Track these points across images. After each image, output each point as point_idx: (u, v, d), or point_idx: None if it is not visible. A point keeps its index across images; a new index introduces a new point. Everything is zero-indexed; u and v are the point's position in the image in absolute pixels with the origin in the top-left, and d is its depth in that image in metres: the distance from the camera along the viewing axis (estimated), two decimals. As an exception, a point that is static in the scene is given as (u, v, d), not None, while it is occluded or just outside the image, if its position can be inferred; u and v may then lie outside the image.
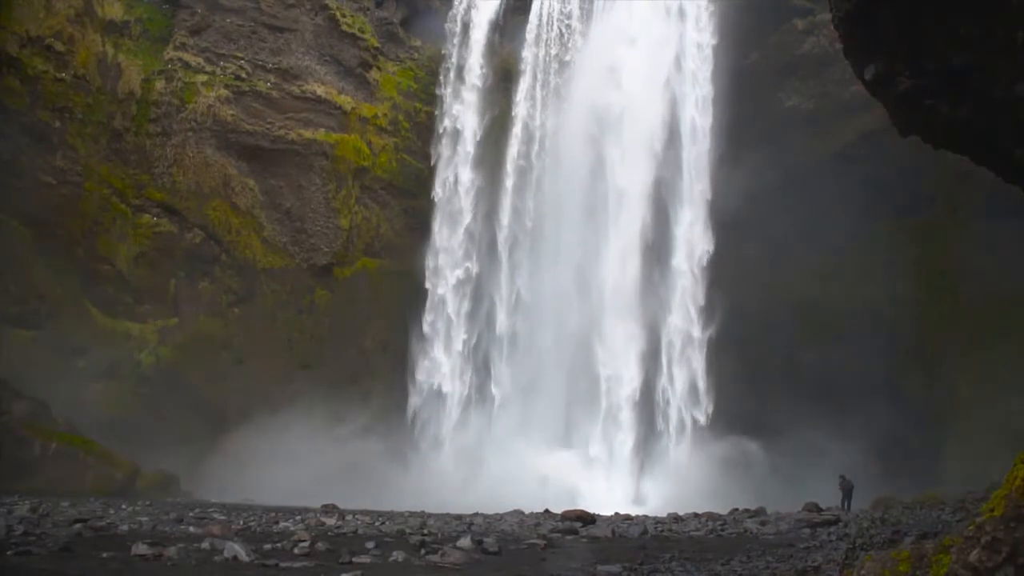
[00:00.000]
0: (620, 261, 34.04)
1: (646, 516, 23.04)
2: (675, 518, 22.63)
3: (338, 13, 40.14)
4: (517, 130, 38.33)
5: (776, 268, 32.32)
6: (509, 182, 37.97)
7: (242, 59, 38.90)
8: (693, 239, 34.64)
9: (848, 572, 6.04)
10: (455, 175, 39.08)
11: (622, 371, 33.25)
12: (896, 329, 31.78)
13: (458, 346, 37.42)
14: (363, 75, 40.43)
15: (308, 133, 38.87)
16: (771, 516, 22.47)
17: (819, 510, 23.62)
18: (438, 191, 39.05)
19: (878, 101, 7.75)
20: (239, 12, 39.20)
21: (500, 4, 40.60)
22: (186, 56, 38.30)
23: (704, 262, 34.27)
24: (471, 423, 36.44)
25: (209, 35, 38.93)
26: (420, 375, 37.51)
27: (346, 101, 39.68)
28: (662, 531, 19.27)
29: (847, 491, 27.34)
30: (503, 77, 39.81)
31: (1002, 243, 28.09)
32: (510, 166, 38.13)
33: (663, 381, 33.77)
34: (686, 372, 33.76)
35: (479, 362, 37.26)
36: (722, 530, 19.26)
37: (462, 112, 39.62)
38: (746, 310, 32.52)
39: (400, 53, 41.93)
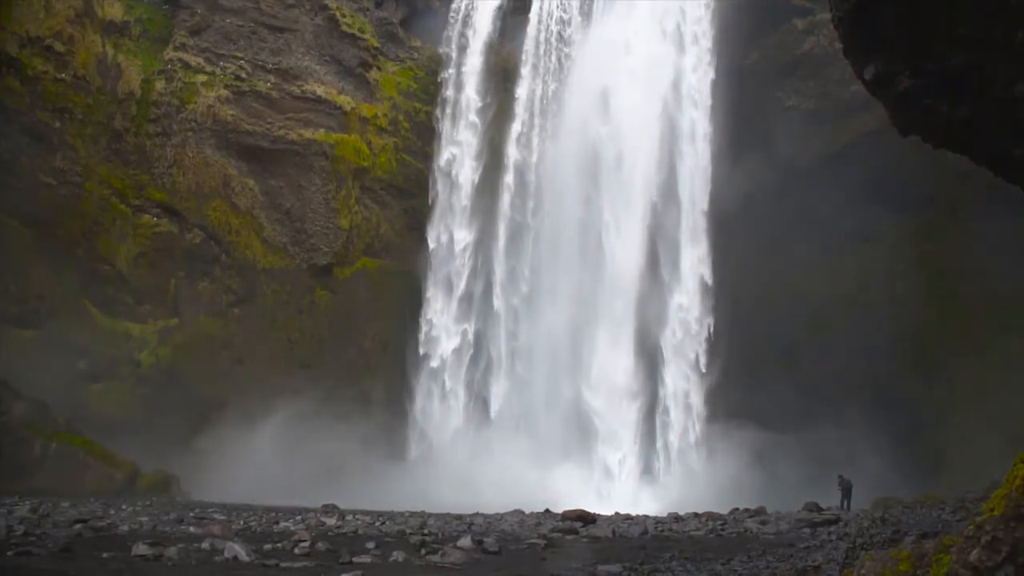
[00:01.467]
0: (621, 253, 33.90)
1: (646, 516, 23.05)
2: (675, 518, 22.64)
3: (338, 13, 40.14)
4: (515, 132, 38.36)
5: (776, 268, 32.33)
6: (506, 196, 38.06)
7: (242, 59, 38.90)
8: (694, 242, 34.61)
9: (848, 572, 6.05)
10: (455, 175, 39.18)
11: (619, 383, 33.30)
12: (896, 329, 31.77)
13: (456, 344, 37.46)
14: (363, 75, 40.43)
15: (308, 133, 38.86)
16: (771, 516, 22.49)
17: (819, 510, 23.65)
18: (438, 190, 39.11)
19: (878, 101, 7.75)
20: (239, 12, 39.19)
21: (500, 4, 40.62)
22: (186, 56, 38.29)
23: (704, 269, 34.19)
24: (471, 423, 36.47)
25: (209, 35, 38.92)
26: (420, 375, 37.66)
27: (346, 101, 39.68)
28: (662, 531, 19.28)
29: (846, 491, 27.38)
30: (503, 77, 39.82)
31: (1002, 243, 28.07)
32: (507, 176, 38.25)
33: (662, 387, 33.74)
34: (685, 373, 33.71)
35: (478, 367, 37.35)
36: (722, 530, 19.27)
37: (462, 112, 39.70)
38: (745, 310, 32.54)
39: (400, 53, 41.93)
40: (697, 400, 33.29)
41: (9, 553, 12.02)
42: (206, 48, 38.66)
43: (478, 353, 37.05)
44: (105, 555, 12.11)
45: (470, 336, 37.19)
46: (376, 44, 41.05)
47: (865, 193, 31.07)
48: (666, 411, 33.37)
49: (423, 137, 40.52)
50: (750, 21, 34.99)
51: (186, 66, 38.18)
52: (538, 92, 38.49)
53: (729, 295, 32.74)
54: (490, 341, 36.82)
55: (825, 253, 32.53)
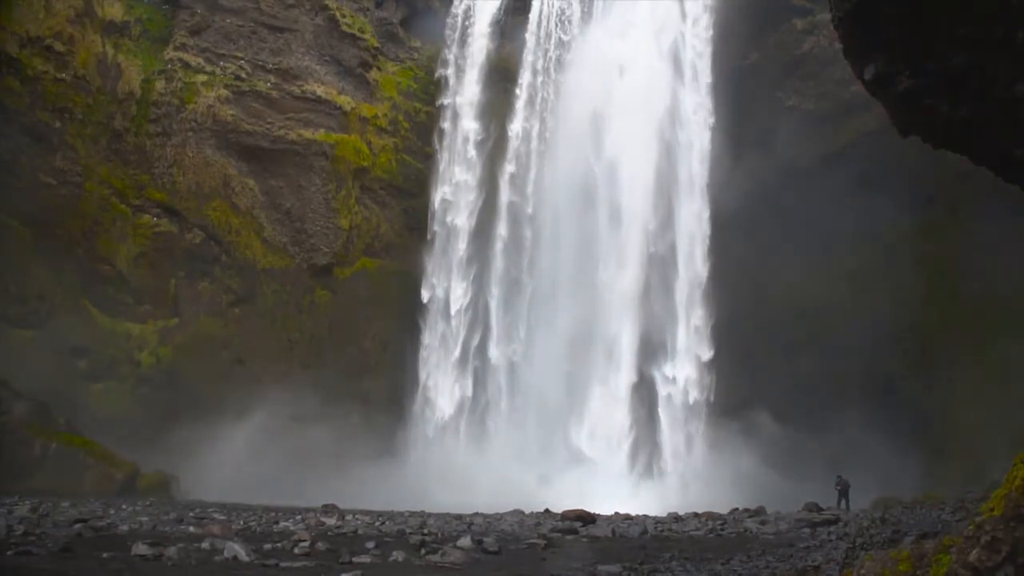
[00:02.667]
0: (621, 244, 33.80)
1: (646, 516, 23.03)
2: (675, 518, 22.63)
3: (338, 13, 40.15)
4: (515, 133, 38.39)
5: (775, 268, 32.32)
6: (505, 190, 38.04)
7: (242, 59, 38.90)
8: (694, 244, 34.57)
9: (848, 572, 6.05)
10: (455, 176, 39.23)
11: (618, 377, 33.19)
12: (896, 329, 31.77)
13: (456, 353, 37.48)
14: (363, 75, 40.43)
15: (308, 133, 38.87)
16: (771, 516, 22.49)
17: (819, 510, 23.65)
18: (441, 190, 39.06)
19: (878, 101, 7.75)
20: (239, 12, 39.19)
21: (500, 4, 40.62)
22: (186, 56, 38.29)
23: (704, 277, 34.12)
24: (471, 424, 36.49)
25: (209, 35, 38.92)
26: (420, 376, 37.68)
27: (346, 101, 39.68)
28: (662, 531, 19.27)
29: (843, 491, 27.44)
30: (503, 77, 39.82)
31: (1002, 243, 28.05)
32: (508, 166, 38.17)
33: (661, 383, 33.68)
34: (684, 374, 33.68)
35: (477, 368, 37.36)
36: (722, 530, 19.27)
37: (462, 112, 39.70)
38: (745, 310, 32.53)
39: (400, 53, 41.95)
40: (697, 399, 33.26)
41: (9, 553, 12.02)
42: (206, 48, 38.66)
43: (476, 400, 36.87)
44: (105, 555, 12.11)
45: (468, 391, 36.94)
46: (376, 44, 41.06)
47: (865, 193, 31.06)
48: (666, 409, 33.32)
49: (423, 137, 40.54)
50: (750, 21, 34.99)
51: (186, 66, 38.18)
52: (538, 95, 38.42)
53: (729, 295, 32.73)
54: (489, 392, 36.59)
55: (825, 253, 32.51)
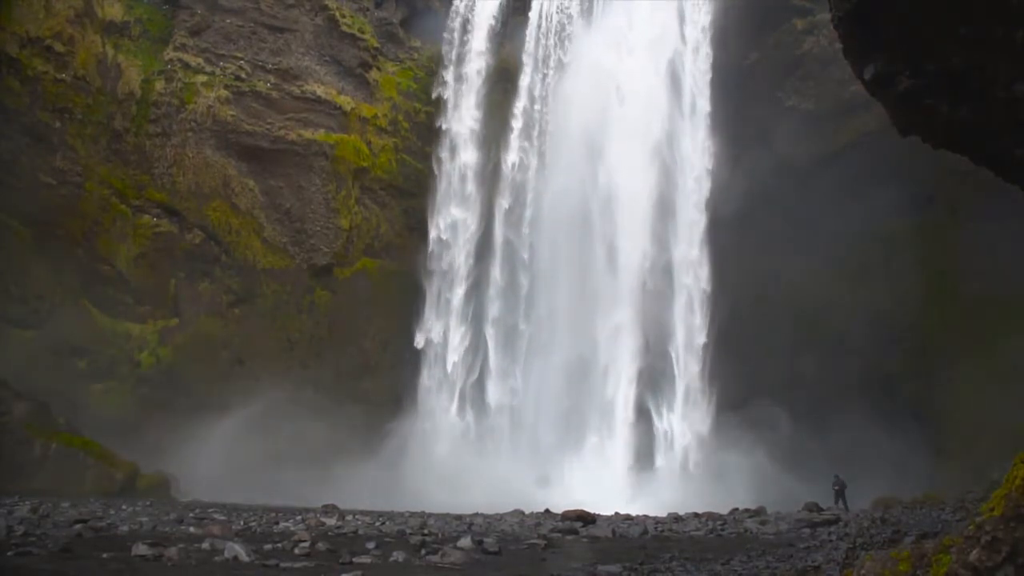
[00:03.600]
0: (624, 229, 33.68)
1: (646, 516, 23.02)
2: (675, 518, 22.62)
3: (338, 13, 40.17)
4: (515, 132, 38.37)
5: (775, 268, 32.33)
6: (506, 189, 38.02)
7: (242, 59, 38.91)
8: (692, 240, 34.55)
9: (848, 572, 6.05)
10: (455, 177, 39.23)
11: (619, 374, 33.13)
12: (896, 329, 31.77)
13: (456, 357, 37.47)
14: (363, 75, 40.45)
15: (308, 133, 38.88)
16: (771, 516, 22.48)
17: (819, 510, 23.65)
18: (437, 228, 39.02)
19: (878, 101, 7.75)
20: (239, 13, 39.21)
21: (500, 4, 40.63)
22: (186, 57, 38.30)
23: (703, 277, 34.05)
24: (470, 424, 36.52)
25: (209, 36, 38.93)
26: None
27: (346, 101, 39.69)
28: (662, 531, 19.27)
29: (840, 491, 27.49)
30: (503, 77, 39.83)
31: (1002, 243, 28.05)
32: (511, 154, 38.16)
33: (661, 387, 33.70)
34: (684, 373, 33.68)
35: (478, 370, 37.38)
36: (722, 530, 19.26)
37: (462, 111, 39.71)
38: (745, 310, 32.53)
39: (400, 53, 41.96)
40: (696, 399, 33.24)
41: (9, 553, 12.02)
42: (206, 48, 38.68)
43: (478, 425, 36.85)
44: (105, 555, 12.10)
45: (469, 419, 36.85)
46: (376, 44, 41.08)
47: (865, 193, 31.05)
48: (666, 410, 33.31)
49: (423, 137, 40.57)
50: (750, 21, 34.99)
51: (186, 66, 38.19)
52: (535, 119, 38.40)
53: (728, 295, 32.73)
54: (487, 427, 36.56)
55: (825, 253, 32.49)
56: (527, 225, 37.05)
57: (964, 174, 24.71)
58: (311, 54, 39.87)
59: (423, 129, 40.61)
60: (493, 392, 36.53)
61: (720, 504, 25.26)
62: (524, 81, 38.67)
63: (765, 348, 32.29)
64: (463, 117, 39.26)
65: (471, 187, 38.59)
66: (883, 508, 23.76)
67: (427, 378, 37.76)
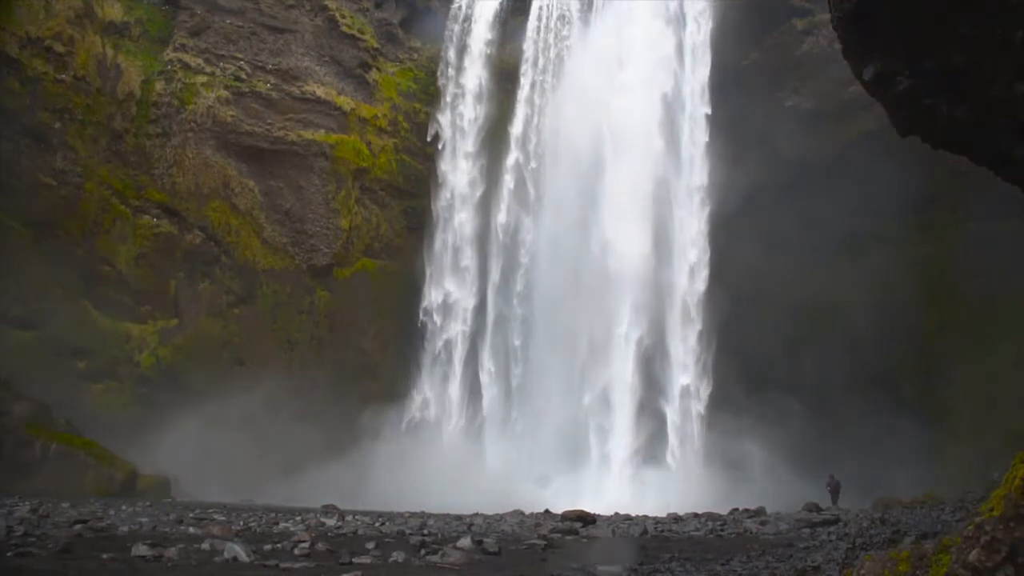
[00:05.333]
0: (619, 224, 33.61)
1: (646, 516, 23.02)
2: (675, 518, 22.62)
3: (338, 14, 40.16)
4: (516, 133, 38.36)
5: (775, 268, 32.30)
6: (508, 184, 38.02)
7: (242, 60, 38.90)
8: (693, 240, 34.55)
9: (848, 572, 6.05)
10: (453, 176, 39.28)
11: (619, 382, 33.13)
12: (896, 329, 31.77)
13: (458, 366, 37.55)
14: (363, 76, 40.44)
15: (308, 134, 38.87)
16: (771, 516, 22.49)
17: (819, 510, 23.67)
18: (441, 195, 39.04)
19: (878, 101, 7.75)
20: (239, 13, 39.19)
21: (500, 4, 40.62)
22: (186, 57, 38.29)
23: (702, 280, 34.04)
24: (471, 424, 36.55)
25: (209, 36, 38.91)
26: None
27: (345, 102, 39.68)
28: (662, 531, 19.27)
29: (834, 490, 27.55)
30: (503, 78, 39.83)
31: (1002, 243, 28.08)
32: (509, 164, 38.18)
33: (660, 379, 33.66)
34: (683, 372, 33.66)
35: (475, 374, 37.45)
36: (722, 530, 19.26)
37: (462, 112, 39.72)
38: (744, 310, 32.52)
39: (399, 54, 41.95)
40: (696, 400, 33.23)
41: (9, 554, 12.02)
42: (206, 49, 38.66)
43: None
44: (105, 556, 12.11)
45: (470, 419, 36.82)
46: (376, 45, 41.07)
47: (865, 193, 31.06)
48: (665, 411, 33.29)
49: (423, 138, 40.59)
50: (750, 21, 34.97)
51: (186, 67, 38.18)
52: (537, 96, 38.43)
53: (728, 295, 32.72)
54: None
55: (824, 253, 32.52)
56: (520, 284, 36.83)
57: (964, 174, 24.70)
58: (311, 55, 39.86)
59: (423, 129, 40.63)
60: (495, 343, 36.66)
61: (719, 504, 25.26)
62: (522, 95, 38.59)
63: (764, 349, 32.27)
64: (458, 169, 39.35)
65: (468, 258, 38.36)
66: (883, 508, 23.76)
67: (427, 378, 37.72)
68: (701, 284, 33.80)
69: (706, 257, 33.96)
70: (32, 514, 18.37)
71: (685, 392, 33.16)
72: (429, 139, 40.15)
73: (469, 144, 39.21)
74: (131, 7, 38.43)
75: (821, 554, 13.09)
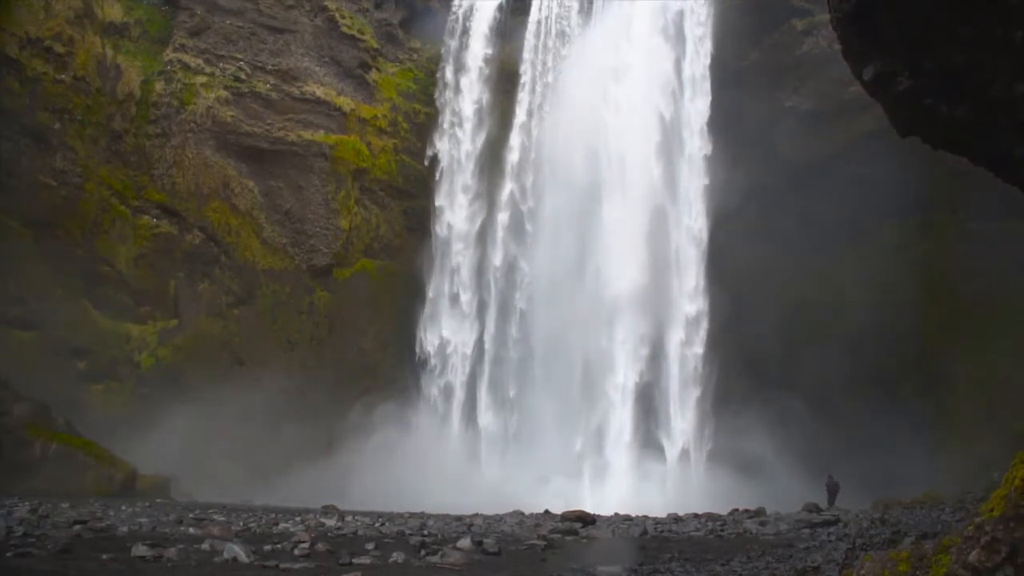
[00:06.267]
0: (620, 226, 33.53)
1: (646, 516, 23.01)
2: (675, 518, 22.61)
3: (337, 14, 40.16)
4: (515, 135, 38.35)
5: (775, 268, 32.30)
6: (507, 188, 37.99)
7: (241, 60, 38.90)
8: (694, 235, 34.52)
9: (848, 572, 6.05)
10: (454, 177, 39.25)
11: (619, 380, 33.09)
12: (896, 329, 31.76)
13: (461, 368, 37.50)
14: (362, 76, 40.44)
15: (307, 134, 38.87)
16: (771, 516, 22.47)
17: (819, 510, 23.66)
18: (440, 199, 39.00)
19: (877, 101, 7.75)
20: (238, 14, 39.19)
21: (500, 5, 40.60)
22: (185, 57, 38.30)
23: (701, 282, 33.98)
24: (471, 425, 36.56)
25: (208, 36, 38.92)
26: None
27: (345, 102, 39.68)
28: (662, 531, 19.26)
29: (832, 491, 27.56)
30: (504, 78, 39.81)
31: (1002, 243, 28.08)
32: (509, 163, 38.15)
33: (661, 380, 33.63)
34: (683, 372, 33.63)
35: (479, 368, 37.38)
36: (722, 530, 19.25)
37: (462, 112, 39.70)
38: (744, 310, 32.51)
39: (399, 54, 41.95)
40: (696, 400, 33.22)
41: (9, 554, 12.02)
42: (206, 49, 38.67)
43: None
44: (105, 556, 12.10)
45: (470, 419, 36.72)
46: (375, 45, 41.07)
47: (864, 193, 31.05)
48: (665, 412, 33.28)
49: (422, 138, 40.57)
50: (750, 21, 34.97)
51: (186, 67, 38.18)
52: (537, 96, 38.38)
53: (728, 295, 32.71)
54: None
55: (824, 253, 32.51)
56: (516, 328, 36.76)
57: (964, 174, 24.68)
58: (311, 55, 39.86)
59: (423, 130, 40.62)
60: (492, 391, 36.51)
61: (719, 504, 25.24)
62: (522, 99, 38.52)
63: (764, 349, 32.27)
64: (455, 187, 39.23)
65: (466, 289, 38.22)
66: (883, 508, 23.75)
67: (427, 378, 37.75)
68: (700, 347, 33.44)
69: (706, 307, 33.75)
70: (32, 514, 18.36)
71: (683, 432, 32.99)
72: (427, 163, 39.93)
73: (467, 176, 39.02)
74: (131, 7, 38.44)
75: (821, 554, 13.09)
